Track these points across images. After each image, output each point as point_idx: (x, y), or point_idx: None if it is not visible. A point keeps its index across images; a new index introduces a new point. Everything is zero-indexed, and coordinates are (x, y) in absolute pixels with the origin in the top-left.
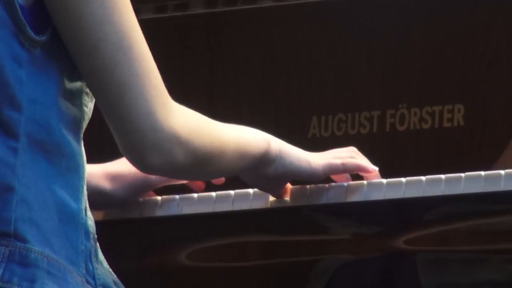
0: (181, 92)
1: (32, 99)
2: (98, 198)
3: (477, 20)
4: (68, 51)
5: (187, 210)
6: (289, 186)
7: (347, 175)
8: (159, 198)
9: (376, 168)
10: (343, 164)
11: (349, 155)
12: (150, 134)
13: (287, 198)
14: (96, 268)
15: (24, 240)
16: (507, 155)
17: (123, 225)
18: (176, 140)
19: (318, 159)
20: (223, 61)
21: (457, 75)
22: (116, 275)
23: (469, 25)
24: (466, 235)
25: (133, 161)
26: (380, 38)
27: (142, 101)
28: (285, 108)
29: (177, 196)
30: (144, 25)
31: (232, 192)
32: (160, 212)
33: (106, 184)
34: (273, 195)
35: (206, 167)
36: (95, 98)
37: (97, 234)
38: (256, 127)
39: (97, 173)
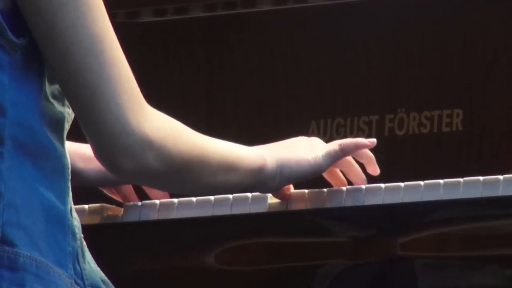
0: (180, 94)
1: (15, 102)
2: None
3: (475, 26)
4: (42, 55)
5: (186, 214)
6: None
7: (344, 180)
8: (157, 202)
9: (374, 140)
10: (341, 149)
11: (352, 142)
12: (121, 138)
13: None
14: (84, 269)
15: (12, 245)
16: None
17: (121, 229)
18: (148, 144)
19: (318, 152)
20: (222, 64)
21: (456, 80)
22: (114, 279)
23: (468, 30)
24: (465, 240)
25: (106, 165)
26: (379, 43)
27: (113, 105)
28: (284, 112)
29: (175, 200)
30: (144, 28)
31: (230, 196)
32: (159, 216)
33: (79, 163)
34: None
35: (185, 176)
36: (68, 101)
37: (94, 238)
38: (255, 131)
39: (71, 151)
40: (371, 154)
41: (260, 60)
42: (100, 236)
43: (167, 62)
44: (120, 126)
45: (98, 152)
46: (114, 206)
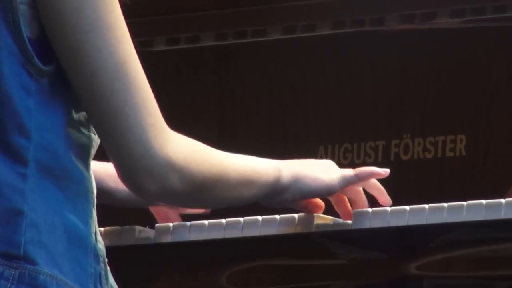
0: (192, 120)
1: (40, 127)
2: (99, 197)
3: (478, 54)
4: (69, 80)
5: (198, 236)
6: (318, 200)
7: (350, 211)
8: (170, 224)
9: (388, 170)
10: (356, 175)
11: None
12: (144, 160)
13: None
14: None
15: (33, 263)
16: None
17: (135, 251)
18: (171, 166)
19: (332, 174)
20: (232, 91)
21: (459, 107)
22: None
23: (471, 59)
24: (468, 262)
25: (130, 186)
26: (384, 71)
27: (137, 128)
28: (293, 137)
29: (188, 223)
30: (157, 56)
31: (241, 219)
32: (173, 238)
33: (110, 183)
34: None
35: (206, 194)
36: (93, 124)
37: (108, 259)
38: (265, 156)
39: (101, 170)
40: (381, 187)
41: (270, 87)
42: (132, 257)
43: (179, 89)
44: (143, 148)
45: (122, 174)
46: (146, 228)
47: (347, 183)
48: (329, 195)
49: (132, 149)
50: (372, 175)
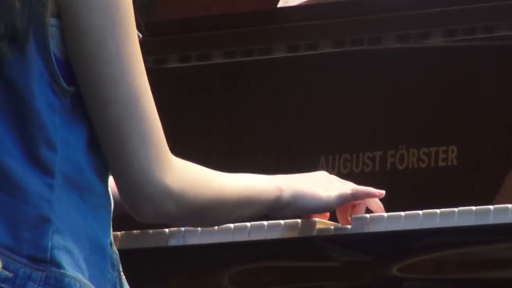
0: (203, 132)
1: (65, 141)
2: (118, 206)
3: (467, 72)
4: (84, 102)
5: (208, 239)
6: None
7: (362, 210)
8: (182, 229)
9: (383, 192)
10: (353, 194)
11: (365, 189)
12: (144, 187)
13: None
14: None
15: (59, 266)
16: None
17: (147, 253)
18: (168, 195)
19: (331, 192)
20: (240, 105)
21: (451, 120)
22: None
23: (461, 75)
24: (459, 264)
25: (128, 209)
26: (382, 87)
27: (140, 157)
28: (297, 149)
29: (199, 228)
30: (171, 73)
31: (248, 224)
32: (185, 242)
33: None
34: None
35: (203, 218)
36: (101, 146)
37: (125, 261)
38: (270, 166)
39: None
40: (381, 204)
41: (275, 101)
42: (147, 258)
43: (190, 103)
44: (144, 176)
45: (123, 197)
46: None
47: (344, 201)
48: (326, 212)
49: (134, 176)
50: (368, 195)
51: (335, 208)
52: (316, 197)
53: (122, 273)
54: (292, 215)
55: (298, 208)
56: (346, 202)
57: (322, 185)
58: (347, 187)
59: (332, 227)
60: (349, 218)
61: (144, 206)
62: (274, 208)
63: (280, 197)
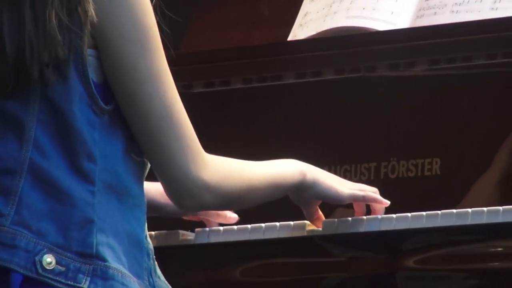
0: (222, 145)
1: (103, 154)
2: (151, 211)
3: (448, 95)
4: (125, 118)
5: (228, 238)
6: (321, 216)
7: (363, 208)
8: (207, 229)
9: (388, 202)
10: (363, 196)
11: (371, 190)
12: (184, 183)
13: (319, 228)
14: (156, 281)
15: (103, 259)
16: (474, 194)
17: (179, 250)
18: (205, 188)
19: (345, 188)
20: (255, 124)
21: (435, 136)
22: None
23: (443, 98)
24: (442, 258)
25: (174, 202)
26: (375, 108)
27: (178, 158)
28: (304, 160)
29: (221, 228)
30: (196, 96)
31: (263, 225)
32: (209, 240)
33: (161, 200)
34: (307, 218)
35: (237, 204)
36: (144, 153)
37: (156, 257)
38: None
39: (153, 189)
40: (383, 207)
41: (285, 121)
42: (175, 255)
43: (214, 123)
44: (183, 174)
45: (168, 193)
46: (188, 231)
47: (355, 200)
48: (337, 203)
49: (174, 174)
50: (375, 201)
51: (345, 203)
52: (332, 188)
53: (155, 261)
54: (309, 198)
55: (315, 193)
56: (356, 201)
57: (339, 181)
58: (359, 187)
59: (336, 226)
60: (364, 209)
61: (186, 199)
62: (297, 190)
63: (302, 181)
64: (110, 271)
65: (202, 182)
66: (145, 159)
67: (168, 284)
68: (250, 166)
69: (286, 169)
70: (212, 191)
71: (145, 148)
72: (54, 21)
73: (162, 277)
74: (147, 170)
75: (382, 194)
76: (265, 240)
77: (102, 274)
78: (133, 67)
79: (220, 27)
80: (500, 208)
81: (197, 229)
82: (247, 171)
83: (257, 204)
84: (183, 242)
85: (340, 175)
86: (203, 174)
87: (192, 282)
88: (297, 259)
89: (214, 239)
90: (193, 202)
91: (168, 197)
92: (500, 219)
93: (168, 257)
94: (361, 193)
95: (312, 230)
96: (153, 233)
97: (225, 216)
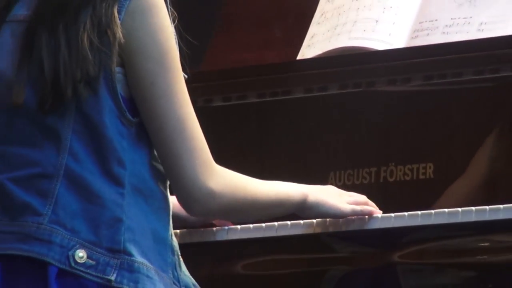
0: (238, 152)
1: (132, 160)
2: (176, 221)
3: (441, 106)
4: (146, 128)
5: (245, 235)
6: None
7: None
8: (226, 227)
9: (381, 212)
10: (362, 211)
11: (360, 199)
12: (192, 190)
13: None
14: (179, 275)
15: (130, 254)
16: (456, 191)
17: (199, 247)
18: (211, 196)
19: (346, 206)
20: (268, 133)
21: (429, 143)
22: (203, 282)
23: (436, 109)
24: (435, 253)
25: (184, 208)
26: (375, 118)
27: (188, 167)
28: (312, 166)
29: (238, 226)
30: (216, 110)
31: (276, 223)
32: (228, 237)
33: (183, 214)
34: None
35: (239, 214)
36: (160, 162)
37: (182, 252)
38: (292, 179)
39: (176, 207)
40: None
41: (295, 130)
42: (197, 251)
43: (231, 134)
44: (191, 182)
45: (178, 199)
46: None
47: (354, 214)
48: (339, 218)
49: (184, 182)
50: (371, 214)
51: (346, 217)
52: (334, 207)
53: (180, 257)
54: (314, 216)
55: (319, 212)
56: (355, 215)
57: (339, 199)
58: (354, 200)
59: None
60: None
61: (193, 205)
62: (299, 209)
63: (303, 202)
64: (136, 264)
65: (208, 190)
66: None
67: (192, 278)
68: (255, 182)
69: (290, 189)
70: (217, 199)
71: (161, 158)
72: (86, 42)
73: (187, 272)
74: None
75: (382, 195)
76: (278, 237)
77: (129, 268)
78: (152, 83)
79: (237, 48)
80: (487, 207)
81: (217, 227)
82: (252, 185)
83: (261, 218)
84: (211, 238)
85: (344, 179)
86: (210, 183)
87: (211, 273)
88: (306, 254)
89: (231, 236)
90: (200, 208)
91: (179, 203)
92: (487, 217)
93: (191, 252)
94: (359, 208)
95: (318, 228)
96: (178, 231)
97: None
